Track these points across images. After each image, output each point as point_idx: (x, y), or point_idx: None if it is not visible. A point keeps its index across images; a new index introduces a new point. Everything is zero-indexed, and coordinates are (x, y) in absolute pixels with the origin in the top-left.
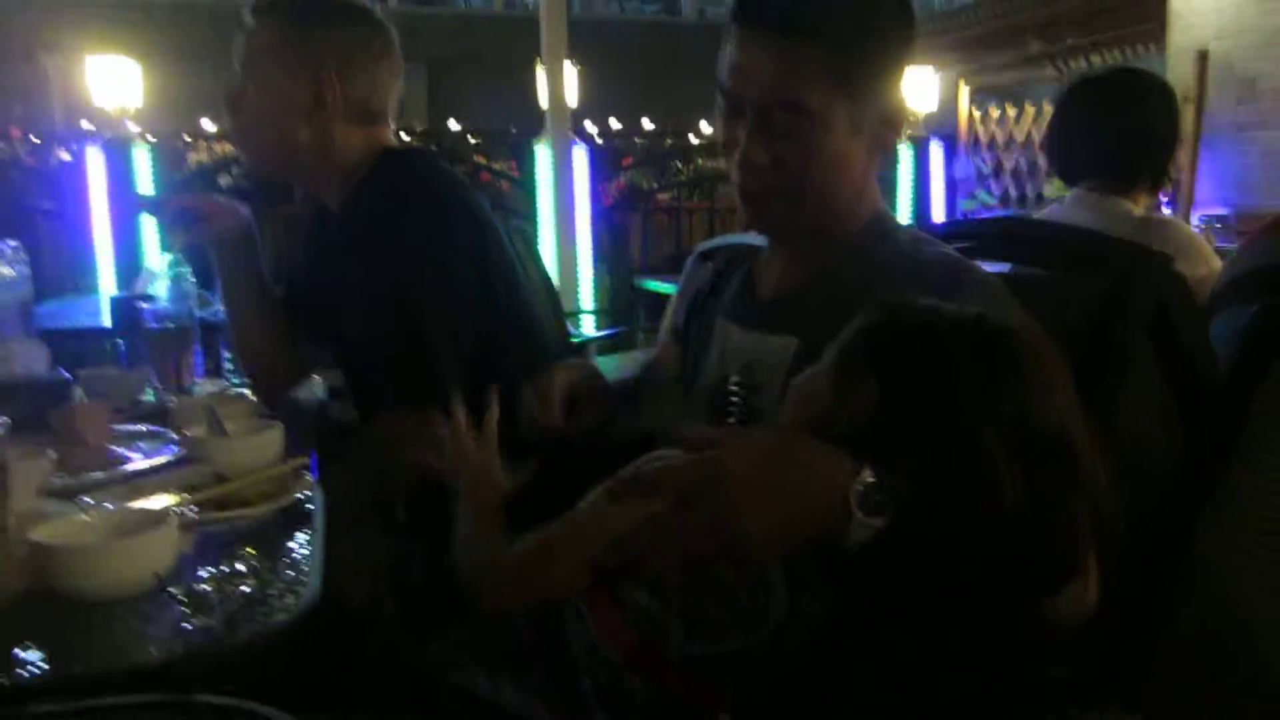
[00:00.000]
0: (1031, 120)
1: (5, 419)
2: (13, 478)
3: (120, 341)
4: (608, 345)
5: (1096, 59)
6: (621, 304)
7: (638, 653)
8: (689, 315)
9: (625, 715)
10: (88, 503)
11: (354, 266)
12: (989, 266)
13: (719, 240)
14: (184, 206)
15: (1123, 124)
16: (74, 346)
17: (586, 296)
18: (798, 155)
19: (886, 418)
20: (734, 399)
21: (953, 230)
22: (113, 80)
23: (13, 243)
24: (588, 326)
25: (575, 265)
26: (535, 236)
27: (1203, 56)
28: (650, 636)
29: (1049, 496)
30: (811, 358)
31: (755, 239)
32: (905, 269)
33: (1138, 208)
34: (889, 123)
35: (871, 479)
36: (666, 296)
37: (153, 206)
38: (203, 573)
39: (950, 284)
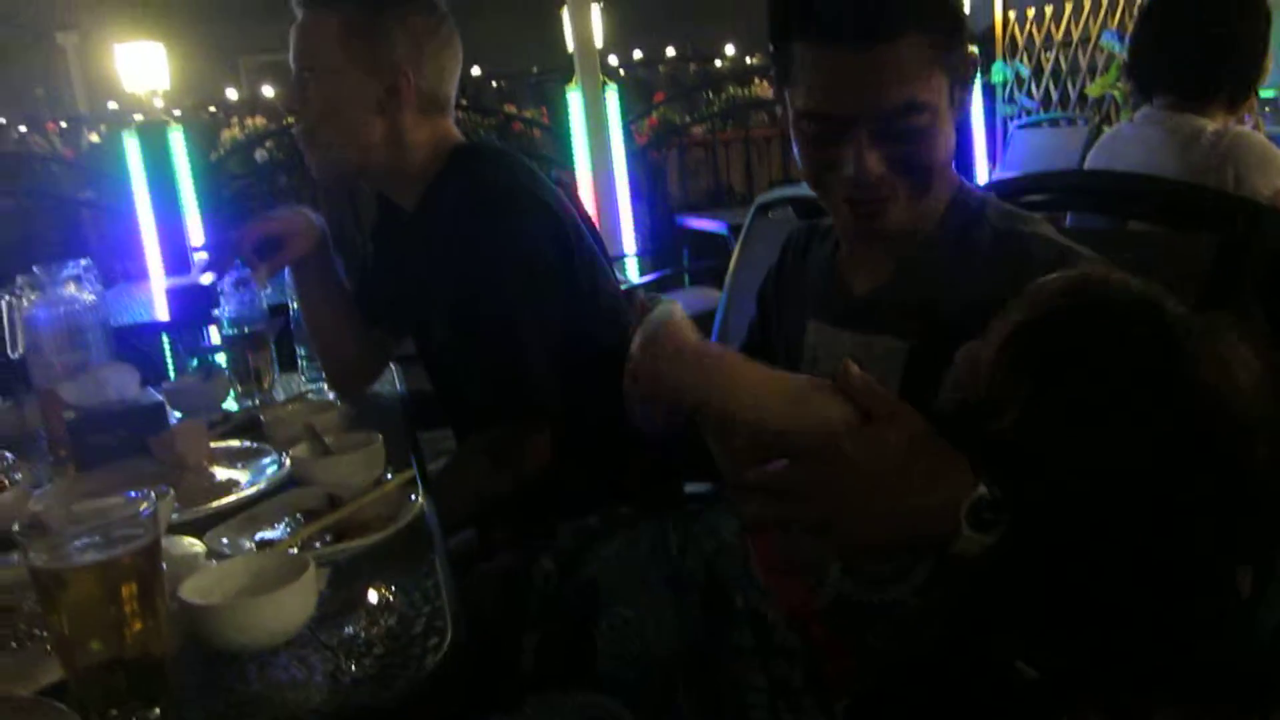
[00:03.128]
0: (1068, 17)
1: (154, 494)
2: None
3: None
4: (654, 288)
5: None
6: (664, 245)
7: (786, 587)
8: (763, 307)
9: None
10: (221, 544)
11: (440, 272)
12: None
13: (777, 192)
14: (263, 236)
15: (1197, 36)
16: (135, 341)
17: (629, 240)
18: (918, 154)
19: (1043, 421)
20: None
21: (1024, 184)
22: (140, 64)
23: (83, 261)
24: (632, 271)
25: (615, 209)
26: (572, 181)
27: None
28: (804, 571)
29: (1220, 510)
30: (925, 359)
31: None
32: (1005, 252)
33: (1213, 123)
34: (968, 80)
35: (987, 494)
36: (708, 234)
37: (231, 249)
38: (344, 612)
39: (1057, 263)
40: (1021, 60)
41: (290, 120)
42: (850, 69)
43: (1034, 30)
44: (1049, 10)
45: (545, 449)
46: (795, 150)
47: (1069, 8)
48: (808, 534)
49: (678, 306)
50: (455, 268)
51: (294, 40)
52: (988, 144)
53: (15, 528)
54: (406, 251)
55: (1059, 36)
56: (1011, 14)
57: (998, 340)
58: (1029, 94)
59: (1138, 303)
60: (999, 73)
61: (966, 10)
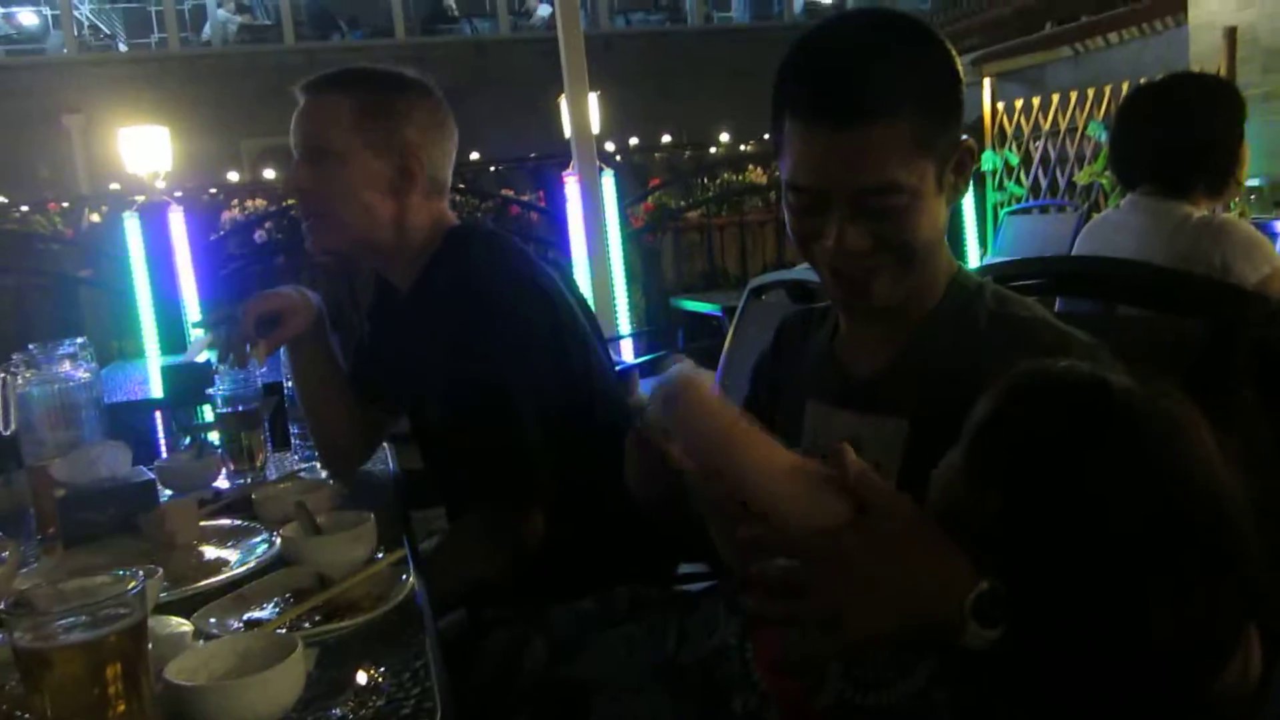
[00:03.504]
0: (1055, 107)
1: (141, 572)
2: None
3: (174, 412)
4: (648, 369)
5: (1114, 37)
6: (659, 325)
7: (786, 689)
8: (756, 387)
9: None
10: (209, 623)
11: (433, 352)
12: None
13: (770, 276)
14: (263, 313)
15: (1175, 129)
16: (128, 419)
17: (624, 321)
18: (898, 231)
19: (1020, 517)
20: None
21: (1019, 269)
22: (144, 146)
23: (80, 339)
24: (627, 352)
25: (611, 290)
26: (569, 264)
27: (1231, 32)
28: (804, 673)
29: (1205, 583)
30: (925, 440)
31: (804, 274)
32: (1003, 335)
33: (1197, 210)
34: (961, 168)
35: (989, 589)
36: (703, 315)
37: (225, 326)
38: (331, 694)
39: (1053, 348)
40: (1011, 149)
41: (290, 201)
42: (832, 146)
43: (1022, 120)
44: (1036, 101)
45: (538, 528)
46: (787, 220)
47: (1055, 99)
48: (810, 630)
49: (693, 365)
50: (448, 348)
51: (302, 122)
52: (978, 230)
53: (0, 606)
54: (401, 331)
55: (1046, 126)
56: (1000, 105)
57: (965, 443)
58: (1018, 182)
59: (1085, 387)
60: (988, 160)
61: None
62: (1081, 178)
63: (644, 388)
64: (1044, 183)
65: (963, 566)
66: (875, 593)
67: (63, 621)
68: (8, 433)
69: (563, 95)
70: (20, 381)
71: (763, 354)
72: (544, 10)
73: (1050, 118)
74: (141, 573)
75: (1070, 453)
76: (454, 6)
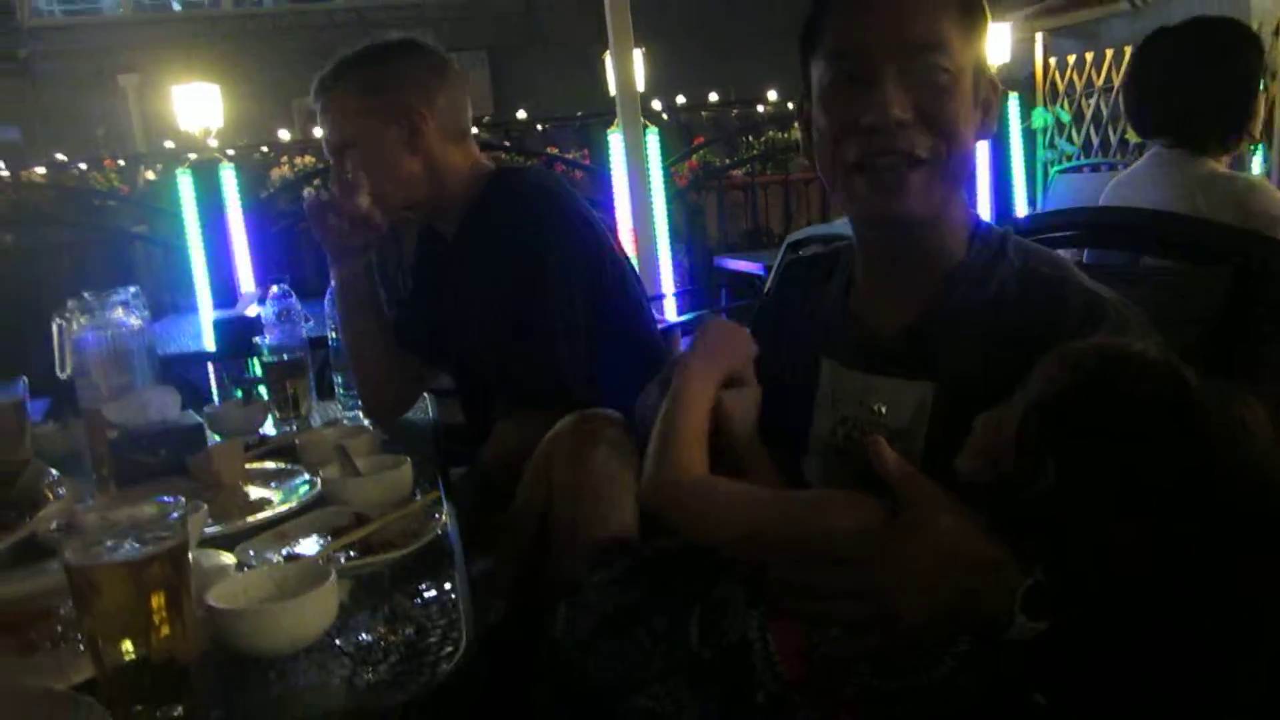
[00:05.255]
0: (1109, 63)
1: (185, 500)
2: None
3: (225, 364)
4: (692, 327)
5: None
6: (702, 285)
7: (810, 677)
8: (761, 341)
9: None
10: (249, 555)
11: (477, 284)
12: (1090, 255)
13: (807, 230)
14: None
15: (1191, 78)
16: (181, 371)
17: (667, 280)
18: (940, 106)
19: (1078, 498)
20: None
21: (1045, 221)
22: (196, 104)
23: (133, 289)
24: (670, 310)
25: (654, 249)
26: (613, 222)
27: None
28: (830, 663)
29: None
30: (951, 402)
31: (843, 229)
32: (1031, 295)
33: (1220, 165)
34: (989, 99)
35: (1038, 581)
36: (747, 275)
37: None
38: (363, 622)
39: (1086, 311)
40: (1062, 106)
41: None
42: (880, 7)
43: (1074, 76)
44: (1089, 57)
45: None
46: (817, 137)
47: (1109, 54)
48: (855, 631)
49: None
50: (491, 276)
51: (323, 126)
52: (1028, 189)
53: (53, 526)
54: (446, 276)
55: (1099, 82)
56: (1052, 60)
57: (1023, 414)
58: (1069, 139)
59: (1158, 374)
60: (1039, 118)
61: (1008, 57)
62: (1133, 135)
63: (684, 345)
64: (1095, 140)
65: (1009, 559)
66: (925, 590)
67: (109, 542)
68: (64, 376)
69: (608, 52)
70: (75, 328)
71: (764, 300)
72: None
73: (1103, 73)
74: (183, 499)
75: (1142, 443)
76: None
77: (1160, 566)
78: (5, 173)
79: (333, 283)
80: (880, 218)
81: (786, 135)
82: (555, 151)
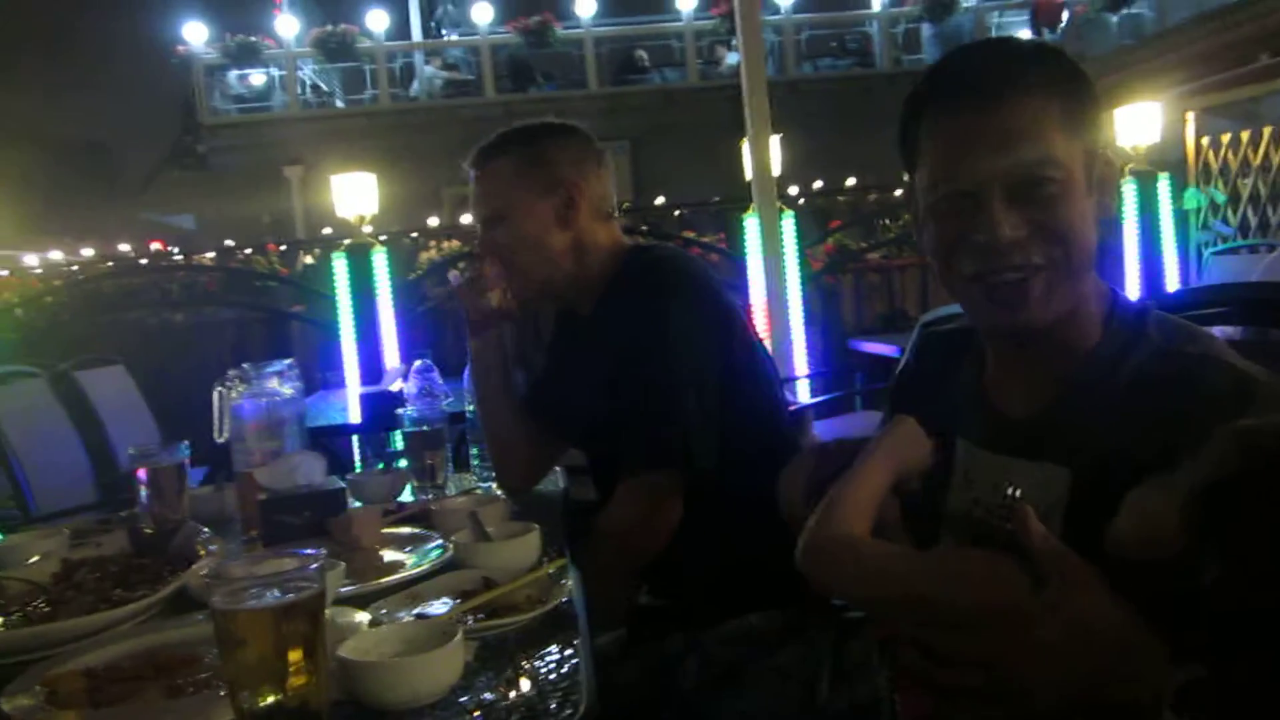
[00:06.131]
0: (1268, 141)
1: (338, 564)
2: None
3: (370, 437)
4: (825, 410)
5: None
6: (836, 367)
7: None
8: (897, 400)
9: None
10: (381, 613)
11: (609, 353)
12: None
13: (941, 311)
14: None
15: None
16: (328, 442)
17: (801, 362)
18: (1054, 219)
19: (1243, 593)
20: (1000, 529)
21: (1195, 296)
22: (353, 191)
23: (288, 361)
24: (804, 392)
25: (788, 331)
26: (747, 305)
27: None
28: None
29: None
30: (1088, 488)
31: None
32: (1173, 375)
33: None
34: (1104, 184)
35: (1196, 678)
36: (881, 357)
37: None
38: (486, 682)
39: (1235, 393)
40: (1216, 186)
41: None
42: (980, 129)
43: (1229, 156)
44: (1245, 135)
45: (677, 503)
46: (927, 243)
47: (1267, 132)
48: (983, 703)
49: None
50: (623, 345)
51: (476, 195)
52: (1182, 271)
53: (203, 572)
54: (580, 351)
55: (1257, 161)
56: (1204, 140)
57: (1186, 495)
58: (1225, 220)
59: None
60: (1192, 199)
61: (1157, 138)
62: None
63: (817, 428)
64: (1253, 221)
65: (1158, 649)
66: (1060, 669)
67: (253, 590)
68: (221, 440)
69: (745, 139)
70: (234, 396)
71: (904, 367)
72: (732, 59)
73: (1261, 152)
74: (324, 551)
75: None
76: (645, 58)
77: None
78: (179, 257)
79: (471, 363)
80: (1003, 329)
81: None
82: (692, 235)
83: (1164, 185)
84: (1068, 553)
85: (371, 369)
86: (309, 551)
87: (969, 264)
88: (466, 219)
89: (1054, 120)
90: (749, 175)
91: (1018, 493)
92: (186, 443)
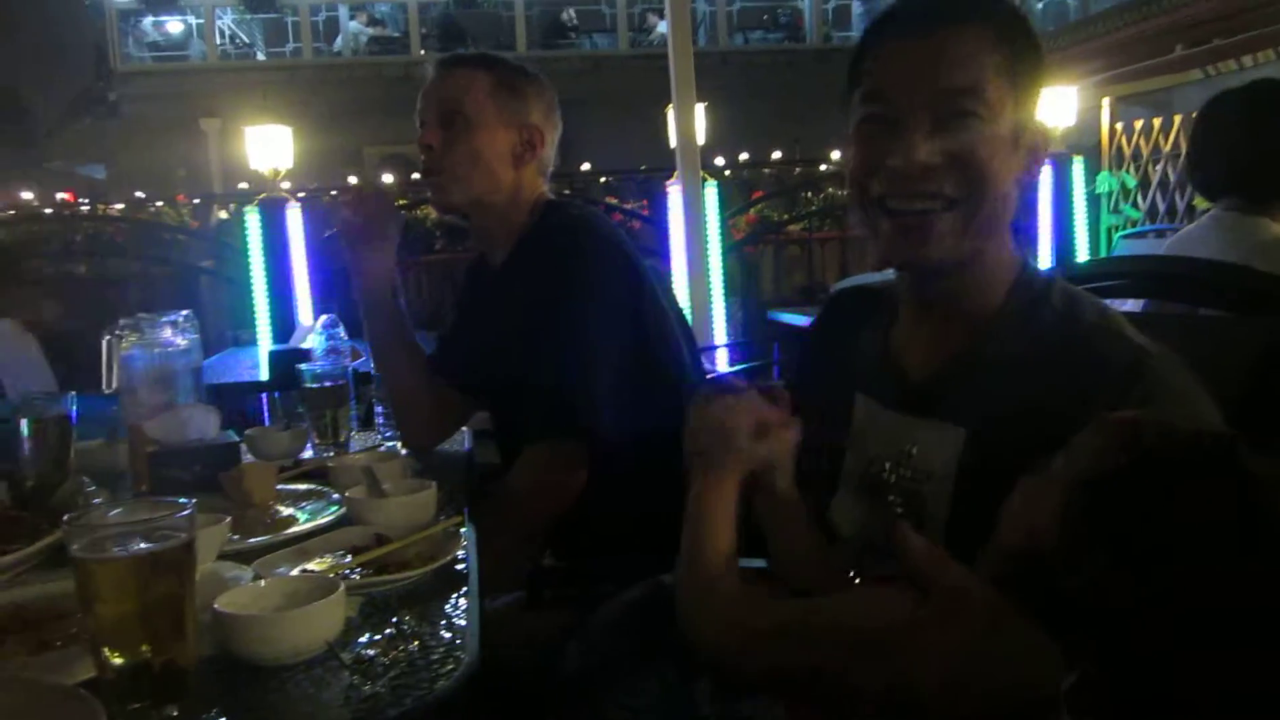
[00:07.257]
0: (1178, 129)
1: (193, 501)
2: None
3: (277, 394)
4: (742, 379)
5: (1248, 60)
6: (755, 337)
7: None
8: (802, 374)
9: None
10: (267, 569)
11: (516, 310)
12: (1140, 305)
13: (854, 280)
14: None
15: (1259, 140)
16: (235, 400)
17: (720, 331)
18: (970, 152)
19: (1134, 591)
20: (895, 486)
21: (1101, 268)
22: (267, 145)
23: (184, 311)
24: (722, 361)
25: (708, 300)
26: (668, 272)
27: None
28: None
29: None
30: (982, 450)
31: (889, 276)
32: (1072, 344)
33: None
34: (1035, 146)
35: (1085, 677)
36: (798, 328)
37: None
38: (367, 637)
39: (1127, 367)
40: (1128, 171)
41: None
42: (916, 54)
43: (1142, 142)
44: (1157, 123)
45: (582, 469)
46: (847, 165)
47: (1178, 119)
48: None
49: None
50: (530, 304)
51: (436, 89)
52: (1091, 253)
53: (64, 518)
54: (489, 304)
55: (1168, 148)
56: (1119, 126)
57: (1064, 493)
58: (1135, 205)
59: (1213, 453)
60: (1104, 183)
61: (1073, 121)
62: (1201, 202)
63: None
64: (1162, 207)
65: (1050, 649)
66: (957, 683)
67: (115, 533)
68: (109, 392)
69: (670, 106)
70: (124, 345)
71: (813, 325)
72: (663, 27)
73: (1171, 139)
74: (194, 502)
75: (1191, 523)
76: (574, 17)
77: (1223, 668)
78: (86, 207)
79: (360, 307)
80: (905, 261)
81: (846, 192)
82: (615, 201)
83: (1078, 168)
84: (951, 562)
85: (284, 327)
86: (179, 499)
87: (878, 186)
88: (388, 179)
89: (991, 63)
90: (673, 142)
91: (914, 450)
92: (73, 394)
